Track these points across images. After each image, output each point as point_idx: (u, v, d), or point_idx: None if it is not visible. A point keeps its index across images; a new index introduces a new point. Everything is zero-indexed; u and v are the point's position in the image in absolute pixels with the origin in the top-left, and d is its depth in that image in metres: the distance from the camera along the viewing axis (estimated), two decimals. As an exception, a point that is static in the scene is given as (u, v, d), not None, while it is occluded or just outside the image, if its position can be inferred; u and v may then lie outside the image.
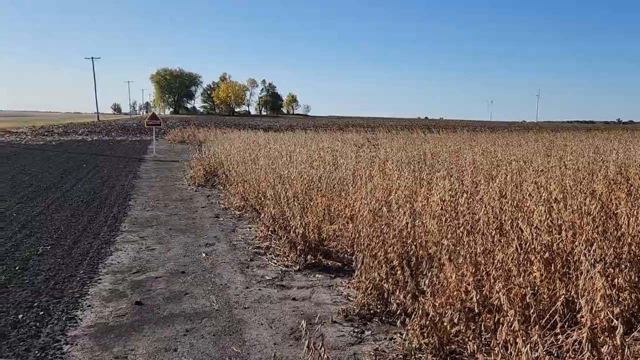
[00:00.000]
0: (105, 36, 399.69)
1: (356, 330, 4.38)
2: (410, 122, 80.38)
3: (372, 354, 3.94)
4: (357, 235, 5.80)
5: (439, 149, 14.21)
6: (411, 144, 17.13)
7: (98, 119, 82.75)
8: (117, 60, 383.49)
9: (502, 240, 4.42)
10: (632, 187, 6.10)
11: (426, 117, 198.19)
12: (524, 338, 3.05)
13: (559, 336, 3.32)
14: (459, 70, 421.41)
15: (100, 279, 5.62)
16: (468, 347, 3.64)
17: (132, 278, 5.71)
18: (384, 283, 4.66)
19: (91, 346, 4.03)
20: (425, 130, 32.26)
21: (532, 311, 3.32)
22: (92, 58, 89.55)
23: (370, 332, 4.35)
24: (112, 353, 3.93)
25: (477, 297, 3.73)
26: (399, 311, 4.28)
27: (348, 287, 5.45)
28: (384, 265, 4.75)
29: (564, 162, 9.20)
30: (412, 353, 3.81)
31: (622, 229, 4.87)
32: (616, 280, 3.73)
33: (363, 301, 4.78)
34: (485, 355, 3.52)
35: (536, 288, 4.01)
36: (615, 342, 2.76)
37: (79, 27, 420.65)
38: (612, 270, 3.84)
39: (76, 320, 4.51)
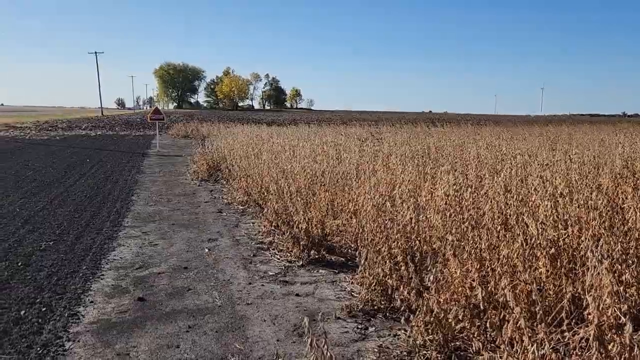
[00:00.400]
0: (108, 31, 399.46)
1: (360, 326, 4.34)
2: (414, 116, 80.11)
3: (376, 350, 3.91)
4: (361, 230, 5.76)
5: (443, 142, 14.12)
6: (415, 138, 17.03)
7: (102, 113, 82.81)
8: (121, 55, 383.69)
9: (507, 236, 4.36)
10: (638, 181, 6.03)
11: (430, 111, 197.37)
12: (530, 335, 3.01)
13: (566, 333, 3.28)
14: (463, 63, 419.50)
15: (103, 275, 5.60)
16: (473, 344, 3.59)
17: (134, 274, 5.68)
18: (388, 279, 4.62)
19: (93, 343, 4.01)
20: (429, 124, 32.08)
21: (538, 308, 3.27)
22: (95, 53, 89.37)
23: (374, 328, 4.31)
24: (114, 350, 3.91)
25: (483, 294, 3.68)
26: (403, 307, 4.24)
27: (352, 282, 5.42)
28: (387, 261, 4.71)
29: (569, 155, 9.12)
30: (417, 350, 3.77)
31: (629, 224, 4.81)
32: (624, 276, 3.67)
33: (367, 297, 4.74)
34: (490, 352, 3.48)
35: (542, 284, 3.96)
36: (623, 340, 2.71)
37: (83, 22, 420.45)
38: (619, 267, 3.78)
39: (78, 316, 4.49)
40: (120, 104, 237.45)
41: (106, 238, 7.10)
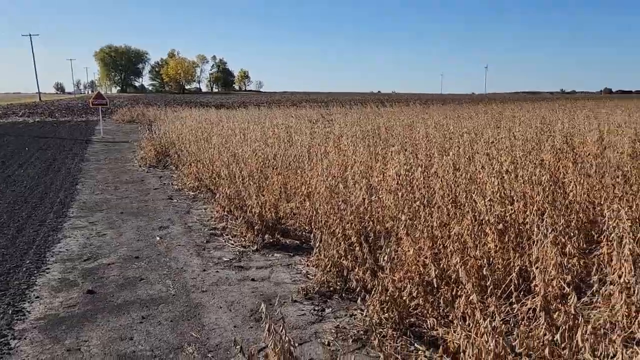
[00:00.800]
0: (45, 12, 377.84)
1: (317, 308, 4.37)
2: (363, 97, 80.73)
3: (334, 331, 3.95)
4: (315, 212, 5.77)
5: (393, 122, 14.28)
6: (365, 118, 17.18)
7: (40, 99, 78.78)
8: (59, 38, 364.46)
9: (458, 213, 4.48)
10: (577, 156, 6.31)
11: (379, 91, 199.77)
12: (481, 309, 3.11)
13: (514, 305, 3.41)
14: (410, 44, 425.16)
15: (48, 269, 5.37)
16: (427, 320, 3.68)
17: (82, 266, 5.48)
18: (343, 260, 4.65)
19: (41, 339, 3.85)
20: (378, 105, 32.44)
21: (488, 282, 3.39)
22: (30, 35, 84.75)
23: (330, 309, 4.35)
24: (64, 345, 3.77)
25: (435, 271, 3.77)
26: (358, 288, 4.29)
27: (307, 265, 5.43)
28: (342, 242, 4.74)
29: (513, 133, 9.42)
30: (373, 328, 3.82)
31: (570, 197, 5.04)
32: (566, 248, 3.85)
33: (322, 279, 4.77)
34: (444, 327, 3.58)
35: (491, 259, 4.10)
36: (568, 309, 2.85)
37: (15, 2, 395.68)
38: (562, 239, 3.96)
39: (24, 313, 4.30)
40: (60, 88, 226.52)
41: (50, 230, 6.80)
